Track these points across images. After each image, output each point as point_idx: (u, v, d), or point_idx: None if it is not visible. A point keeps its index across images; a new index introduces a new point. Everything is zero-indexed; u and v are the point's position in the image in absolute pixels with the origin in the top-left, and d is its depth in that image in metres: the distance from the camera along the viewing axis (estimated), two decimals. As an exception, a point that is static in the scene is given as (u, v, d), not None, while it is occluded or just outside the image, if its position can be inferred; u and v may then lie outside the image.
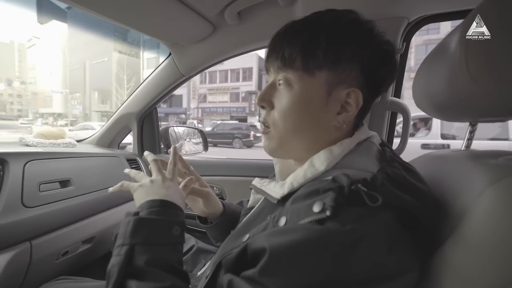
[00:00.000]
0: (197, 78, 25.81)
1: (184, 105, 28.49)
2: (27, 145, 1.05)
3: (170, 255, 0.41)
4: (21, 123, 27.65)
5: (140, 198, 0.47)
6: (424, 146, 4.17)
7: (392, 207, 0.33)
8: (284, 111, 0.45)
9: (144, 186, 0.49)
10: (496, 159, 0.40)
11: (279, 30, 0.46)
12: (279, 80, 0.46)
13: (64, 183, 0.93)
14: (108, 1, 0.80)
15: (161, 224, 0.42)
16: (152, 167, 0.53)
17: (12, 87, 58.48)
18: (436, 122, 4.38)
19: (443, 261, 0.34)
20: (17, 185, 0.78)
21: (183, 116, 28.71)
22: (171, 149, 0.57)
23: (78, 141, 1.50)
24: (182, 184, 0.56)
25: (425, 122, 4.56)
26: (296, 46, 0.43)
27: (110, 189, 0.53)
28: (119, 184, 0.53)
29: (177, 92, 24.25)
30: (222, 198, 1.14)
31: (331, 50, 0.42)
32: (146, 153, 0.57)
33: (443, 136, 4.30)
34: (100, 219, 1.03)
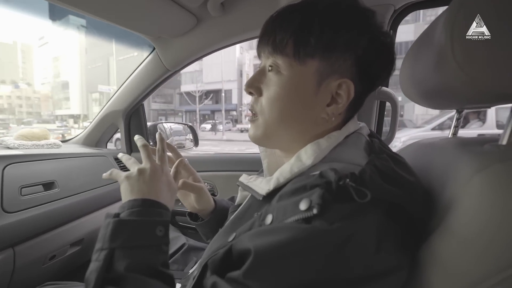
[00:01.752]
0: (251, 69, 22.45)
1: (234, 100, 25.25)
2: (8, 148, 1.01)
3: (154, 257, 0.39)
4: (58, 127, 26.17)
5: (125, 193, 0.45)
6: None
7: (381, 201, 0.32)
8: (271, 98, 0.43)
9: (130, 178, 0.46)
10: (481, 146, 0.39)
11: (273, 14, 0.44)
12: (269, 65, 0.44)
13: (48, 185, 0.90)
14: None
15: (143, 225, 0.40)
16: (142, 153, 0.50)
17: (19, 89, 54.69)
18: (491, 113, 4.34)
19: (431, 254, 0.33)
20: (-4, 190, 0.75)
21: (234, 113, 25.72)
22: (156, 136, 0.54)
23: (63, 141, 1.46)
24: (172, 170, 0.53)
25: (477, 114, 4.49)
26: (288, 31, 0.40)
27: (104, 174, 0.51)
28: (109, 171, 0.50)
29: (226, 86, 22.50)
30: (213, 194, 1.13)
31: (325, 38, 0.39)
32: (136, 137, 0.54)
33: (499, 126, 4.26)
34: (88, 220, 1.01)
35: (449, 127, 0.59)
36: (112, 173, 0.50)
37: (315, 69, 0.41)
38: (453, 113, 0.58)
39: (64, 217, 0.91)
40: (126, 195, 0.44)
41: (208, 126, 22.20)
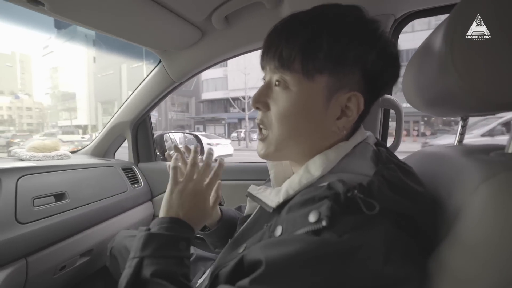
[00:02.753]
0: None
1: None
2: (20, 159, 1.03)
3: (175, 268, 0.43)
4: (82, 137, 25.54)
5: (164, 206, 0.51)
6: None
7: (390, 212, 0.33)
8: (281, 114, 0.43)
9: (175, 194, 0.51)
10: (487, 154, 0.40)
11: (277, 24, 0.43)
12: (276, 80, 0.43)
13: (59, 196, 0.92)
14: (94, 12, 0.80)
15: (168, 239, 0.45)
16: (189, 171, 0.54)
17: (20, 100, 52.87)
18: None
19: (440, 263, 0.33)
20: (10, 201, 0.77)
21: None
22: (192, 149, 0.57)
23: (73, 152, 1.49)
24: (212, 194, 0.57)
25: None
26: (295, 46, 0.40)
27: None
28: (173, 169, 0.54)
29: (250, 93, 20.65)
30: (220, 204, 1.13)
31: (334, 53, 0.39)
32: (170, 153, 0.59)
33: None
34: (97, 230, 1.02)
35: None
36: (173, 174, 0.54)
37: (324, 84, 0.40)
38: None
39: (74, 227, 0.92)
40: (163, 208, 0.51)
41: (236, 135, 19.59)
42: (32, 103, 52.41)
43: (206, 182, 0.54)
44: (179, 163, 0.57)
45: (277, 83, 0.43)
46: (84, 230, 0.96)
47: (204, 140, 9.87)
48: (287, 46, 0.40)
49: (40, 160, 1.06)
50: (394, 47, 0.42)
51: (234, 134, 20.13)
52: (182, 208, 0.50)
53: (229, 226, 0.66)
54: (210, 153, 0.57)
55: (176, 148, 0.61)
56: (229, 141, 12.18)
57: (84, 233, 0.96)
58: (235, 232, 0.54)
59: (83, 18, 0.81)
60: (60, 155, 1.16)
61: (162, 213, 0.50)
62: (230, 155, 10.46)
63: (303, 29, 0.40)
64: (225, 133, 23.22)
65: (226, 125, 24.85)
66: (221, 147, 10.10)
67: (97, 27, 0.87)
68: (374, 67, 0.40)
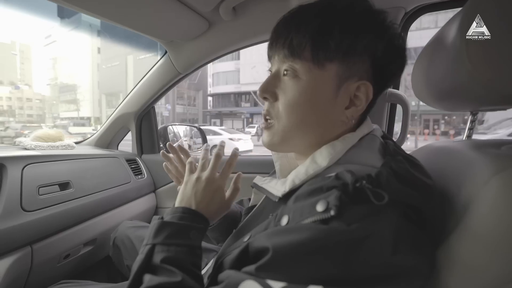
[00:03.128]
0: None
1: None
2: (25, 149, 1.04)
3: (186, 256, 0.43)
4: (94, 130, 24.34)
5: (179, 195, 0.52)
6: None
7: (398, 203, 0.33)
8: (290, 104, 0.42)
9: (188, 184, 0.52)
10: (498, 148, 0.39)
11: (285, 15, 0.43)
12: (285, 70, 0.43)
13: (63, 185, 0.92)
14: (102, 1, 0.79)
15: (180, 227, 0.45)
16: (212, 161, 0.55)
17: (20, 90, 51.16)
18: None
19: (450, 254, 0.33)
20: (15, 189, 0.78)
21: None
22: (232, 152, 0.58)
23: (76, 142, 1.50)
24: (231, 186, 0.57)
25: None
26: (306, 34, 0.40)
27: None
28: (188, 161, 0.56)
29: None
30: None
31: (345, 42, 0.39)
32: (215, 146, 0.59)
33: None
34: (101, 220, 1.03)
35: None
36: (189, 166, 0.55)
37: (334, 73, 0.41)
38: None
39: (79, 216, 0.93)
40: (178, 198, 0.52)
41: (253, 130, 18.28)
42: (32, 94, 51.04)
43: (219, 173, 0.55)
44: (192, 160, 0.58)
45: (285, 72, 0.43)
46: (88, 219, 0.97)
47: (225, 135, 9.62)
48: (298, 34, 0.40)
49: (44, 149, 1.06)
50: (401, 39, 0.43)
51: (249, 129, 19.43)
52: (195, 199, 0.50)
53: (232, 221, 0.66)
54: (222, 145, 0.58)
55: (171, 147, 0.64)
56: (249, 136, 11.71)
57: (88, 222, 0.97)
58: (239, 223, 0.54)
59: (87, 4, 0.80)
60: (64, 145, 1.16)
61: (177, 203, 0.51)
62: (250, 150, 9.96)
63: (313, 19, 0.40)
64: (243, 127, 22.59)
65: (245, 119, 24.43)
66: (243, 142, 9.71)
67: (102, 15, 0.86)
68: (383, 56, 0.41)
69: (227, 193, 0.55)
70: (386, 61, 0.42)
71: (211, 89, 26.09)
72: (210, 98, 26.92)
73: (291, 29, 0.41)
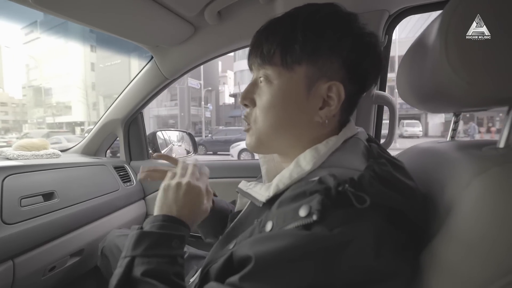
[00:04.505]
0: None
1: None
2: (7, 159, 1.01)
3: (167, 267, 0.42)
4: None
5: (158, 203, 0.50)
6: None
7: (381, 206, 0.32)
8: (264, 107, 0.45)
9: (167, 191, 0.51)
10: (479, 149, 0.40)
11: (260, 27, 0.46)
12: (260, 77, 0.45)
13: (47, 196, 0.90)
14: (84, 8, 0.78)
15: (160, 237, 0.44)
16: (189, 170, 0.55)
17: None
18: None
19: (433, 257, 0.33)
20: (-4, 201, 0.75)
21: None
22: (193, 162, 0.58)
23: (62, 151, 1.46)
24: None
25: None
26: (274, 42, 0.43)
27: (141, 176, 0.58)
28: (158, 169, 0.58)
29: None
30: (214, 194, 1.11)
31: (308, 43, 0.41)
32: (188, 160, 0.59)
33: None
34: (88, 230, 1.00)
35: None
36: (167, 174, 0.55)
37: (303, 74, 0.42)
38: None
39: (64, 227, 0.90)
40: (157, 206, 0.50)
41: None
42: (7, 98, 44.48)
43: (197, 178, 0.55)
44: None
45: (261, 79, 0.46)
46: (74, 230, 0.94)
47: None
48: (267, 43, 0.43)
49: (28, 159, 1.03)
50: (371, 36, 0.44)
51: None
52: (176, 205, 0.49)
53: (221, 215, 0.66)
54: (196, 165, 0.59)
55: (159, 155, 0.67)
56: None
57: (74, 233, 0.94)
58: (226, 226, 0.54)
59: (70, 12, 0.79)
60: (49, 154, 1.13)
61: (156, 211, 0.50)
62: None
63: (280, 27, 0.43)
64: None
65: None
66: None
67: (87, 22, 0.85)
68: (352, 55, 0.42)
69: None
70: (356, 59, 0.42)
71: (231, 90, 25.34)
72: (232, 99, 26.38)
73: (262, 40, 0.44)
